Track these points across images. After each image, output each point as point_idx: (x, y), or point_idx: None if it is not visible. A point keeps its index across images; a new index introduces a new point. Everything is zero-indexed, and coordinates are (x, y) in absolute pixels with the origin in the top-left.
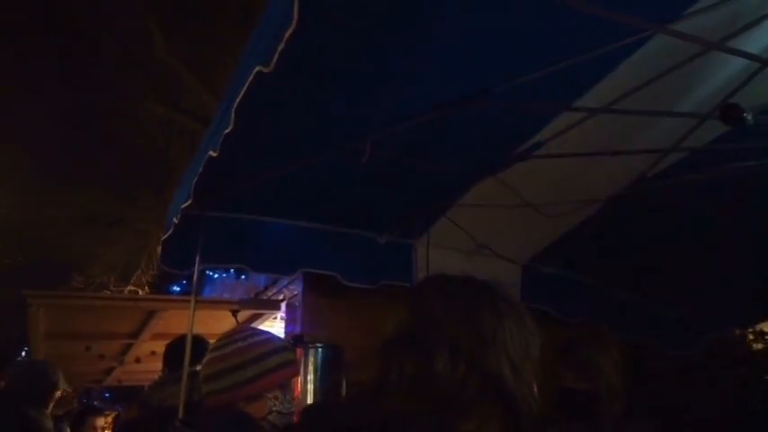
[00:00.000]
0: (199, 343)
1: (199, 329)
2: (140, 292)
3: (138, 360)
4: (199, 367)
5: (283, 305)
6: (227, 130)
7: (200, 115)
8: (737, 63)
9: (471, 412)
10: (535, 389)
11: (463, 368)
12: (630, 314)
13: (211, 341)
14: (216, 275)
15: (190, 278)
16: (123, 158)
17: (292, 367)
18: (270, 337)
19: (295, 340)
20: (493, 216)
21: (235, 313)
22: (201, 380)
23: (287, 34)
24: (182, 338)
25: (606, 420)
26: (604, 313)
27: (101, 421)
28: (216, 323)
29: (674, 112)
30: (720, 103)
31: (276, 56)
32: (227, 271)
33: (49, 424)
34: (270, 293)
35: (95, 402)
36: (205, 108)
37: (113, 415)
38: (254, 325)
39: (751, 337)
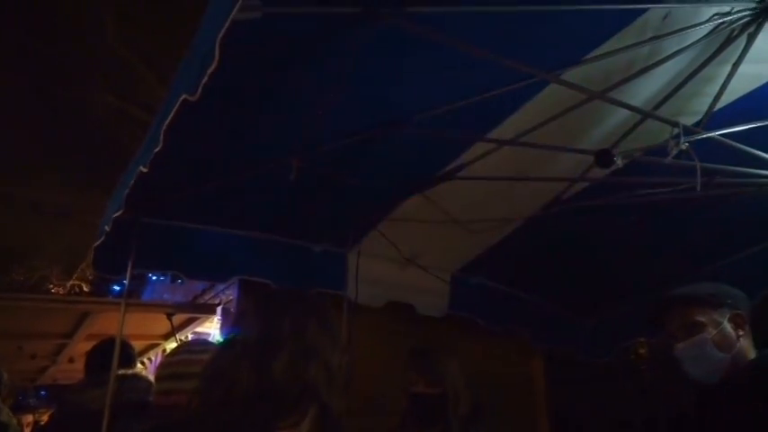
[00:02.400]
0: (121, 348)
1: (135, 331)
2: (84, 287)
3: (71, 360)
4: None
5: (219, 309)
6: (156, 149)
7: (153, 107)
8: (640, 99)
9: (290, 413)
10: (343, 394)
11: (289, 376)
12: (550, 323)
13: (146, 343)
14: (154, 278)
15: (131, 278)
16: (71, 148)
17: None
18: None
19: None
20: (423, 230)
21: (170, 316)
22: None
23: (209, 71)
24: (102, 344)
25: (453, 422)
26: (526, 322)
27: (29, 417)
28: (152, 325)
29: (567, 147)
30: (616, 141)
31: (200, 88)
32: (164, 274)
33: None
34: (207, 297)
35: (30, 400)
36: (159, 100)
37: (48, 413)
38: (189, 328)
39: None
